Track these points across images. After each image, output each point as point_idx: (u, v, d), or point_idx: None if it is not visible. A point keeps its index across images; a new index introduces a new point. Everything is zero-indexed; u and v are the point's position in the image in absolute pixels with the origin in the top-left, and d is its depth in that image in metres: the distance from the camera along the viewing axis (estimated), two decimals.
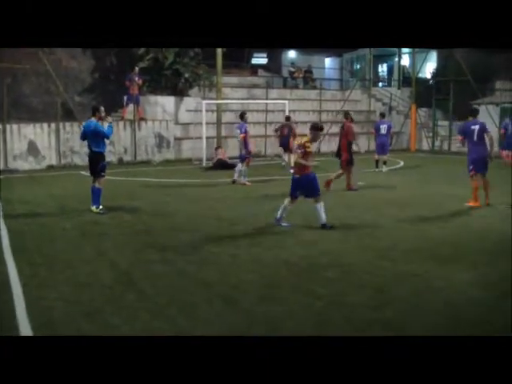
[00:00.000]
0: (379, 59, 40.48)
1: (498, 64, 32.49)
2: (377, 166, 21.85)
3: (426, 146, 32.65)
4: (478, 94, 30.89)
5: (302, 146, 11.04)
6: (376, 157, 22.15)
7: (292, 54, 41.89)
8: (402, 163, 24.69)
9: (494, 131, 19.70)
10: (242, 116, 18.72)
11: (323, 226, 11.07)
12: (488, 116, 27.04)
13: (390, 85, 39.39)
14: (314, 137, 11.31)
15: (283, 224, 11.27)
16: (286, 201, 11.31)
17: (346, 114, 17.84)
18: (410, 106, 33.15)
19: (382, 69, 42.50)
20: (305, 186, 11.16)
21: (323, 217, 11.13)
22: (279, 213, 11.32)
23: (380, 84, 40.15)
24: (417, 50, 34.44)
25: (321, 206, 11.17)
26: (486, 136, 13.75)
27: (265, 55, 42.64)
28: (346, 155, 16.73)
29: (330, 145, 28.97)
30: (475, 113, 14.32)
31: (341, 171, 16.77)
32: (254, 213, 12.96)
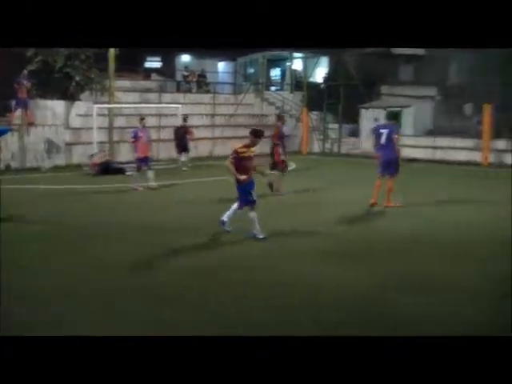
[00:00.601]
0: (272, 63, 41.13)
1: (384, 69, 33.80)
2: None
3: (316, 148, 33.46)
4: (366, 98, 32.05)
5: (234, 152, 10.77)
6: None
7: (186, 57, 41.85)
8: (294, 165, 25.16)
9: None
10: (140, 121, 18.68)
11: (221, 222, 11.00)
12: (373, 119, 28.17)
13: (282, 89, 40.06)
14: (251, 142, 10.93)
15: (261, 236, 10.77)
16: (249, 212, 10.88)
17: (280, 117, 18.19)
18: (302, 109, 33.87)
19: (275, 73, 43.15)
20: (251, 191, 10.86)
21: (228, 216, 11.05)
22: (255, 227, 10.84)
23: (273, 88, 40.71)
24: (308, 54, 35.32)
25: (235, 210, 11.03)
26: (394, 139, 14.32)
27: (158, 59, 42.40)
28: (279, 157, 16.85)
29: (224, 148, 29.20)
30: (389, 116, 14.90)
31: (278, 173, 16.80)
32: (160, 219, 12.99)
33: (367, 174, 20.21)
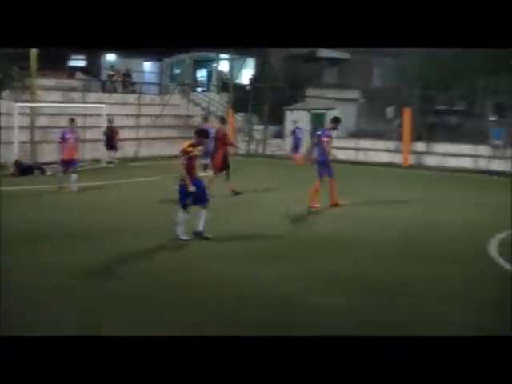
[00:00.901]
0: (199, 64, 41.14)
1: (309, 72, 34.33)
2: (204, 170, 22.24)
3: (242, 149, 33.62)
4: (291, 100, 32.47)
5: (184, 152, 10.61)
6: (203, 161, 22.53)
7: (111, 56, 41.34)
8: None
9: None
10: (70, 122, 18.37)
11: (197, 234, 10.78)
12: (293, 122, 28.60)
13: (208, 90, 40.08)
14: (197, 142, 10.86)
15: (183, 237, 10.71)
16: (180, 213, 10.75)
17: (222, 119, 18.54)
18: (228, 110, 33.97)
19: (202, 74, 43.13)
20: (194, 192, 10.63)
21: (202, 224, 10.79)
22: (178, 229, 10.73)
23: (199, 89, 40.70)
24: (234, 56, 35.49)
25: (203, 214, 10.78)
26: (322, 141, 14.64)
27: (83, 57, 41.70)
28: (220, 159, 16.91)
29: (149, 149, 29.19)
30: (331, 120, 15.40)
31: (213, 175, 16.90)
32: (98, 220, 12.98)
33: (293, 176, 20.64)
